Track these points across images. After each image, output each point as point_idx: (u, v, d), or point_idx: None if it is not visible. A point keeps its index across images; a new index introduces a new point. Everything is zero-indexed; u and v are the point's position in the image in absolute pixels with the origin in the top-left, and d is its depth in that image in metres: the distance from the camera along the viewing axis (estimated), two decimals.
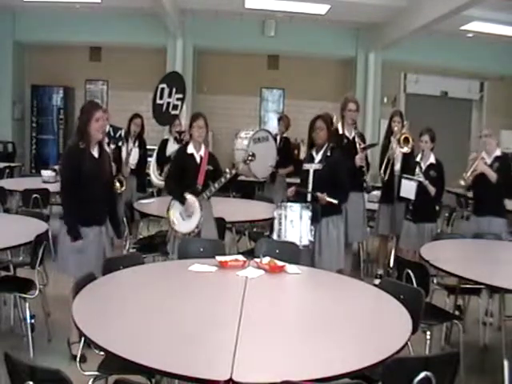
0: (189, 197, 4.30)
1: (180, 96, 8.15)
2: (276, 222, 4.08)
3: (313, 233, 4.12)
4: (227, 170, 4.33)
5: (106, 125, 4.93)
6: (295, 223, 4.04)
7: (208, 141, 10.14)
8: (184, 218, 4.34)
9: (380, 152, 5.74)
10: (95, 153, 3.69)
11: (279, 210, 4.08)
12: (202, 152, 4.43)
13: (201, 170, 4.38)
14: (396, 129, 5.52)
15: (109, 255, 3.66)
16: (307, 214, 4.06)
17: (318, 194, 4.26)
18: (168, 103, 8.62)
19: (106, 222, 3.79)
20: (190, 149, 4.43)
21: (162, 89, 8.07)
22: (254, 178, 6.56)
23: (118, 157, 5.78)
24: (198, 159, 4.41)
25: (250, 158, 4.44)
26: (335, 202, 4.25)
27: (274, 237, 4.07)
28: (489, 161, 4.78)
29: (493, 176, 4.67)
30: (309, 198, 4.35)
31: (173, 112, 7.80)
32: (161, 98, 7.83)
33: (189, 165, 4.39)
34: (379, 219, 5.73)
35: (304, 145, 10.52)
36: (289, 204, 4.12)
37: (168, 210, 4.39)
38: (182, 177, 4.38)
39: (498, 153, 4.82)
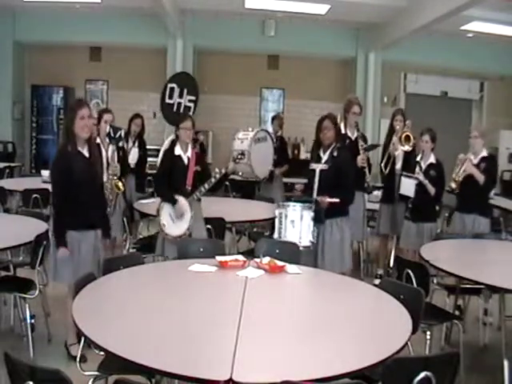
0: (179, 198, 4.28)
1: (192, 98, 8.12)
2: (277, 220, 4.04)
3: (315, 234, 4.07)
4: (217, 170, 4.29)
5: (107, 125, 4.93)
6: (296, 223, 3.98)
7: (208, 141, 10.17)
8: (174, 220, 4.30)
9: (382, 151, 5.74)
10: (85, 152, 3.59)
11: (280, 209, 4.04)
12: (189, 153, 4.40)
13: (189, 171, 4.35)
14: (398, 127, 5.51)
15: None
16: (309, 214, 4.00)
17: (318, 199, 4.21)
18: (179, 103, 8.55)
19: (100, 226, 3.71)
20: (177, 150, 4.39)
21: (172, 88, 8.01)
22: (256, 178, 6.55)
23: (121, 157, 5.76)
24: (185, 160, 4.38)
25: (239, 156, 4.42)
26: (337, 200, 4.19)
27: (275, 236, 4.03)
28: (475, 161, 4.82)
29: (480, 177, 4.73)
30: (314, 198, 4.30)
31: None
32: (170, 97, 7.77)
33: (177, 166, 4.35)
34: (380, 219, 5.73)
35: (304, 145, 10.53)
36: (291, 203, 4.07)
37: (158, 212, 4.34)
38: (171, 179, 4.34)
39: (484, 153, 4.88)
